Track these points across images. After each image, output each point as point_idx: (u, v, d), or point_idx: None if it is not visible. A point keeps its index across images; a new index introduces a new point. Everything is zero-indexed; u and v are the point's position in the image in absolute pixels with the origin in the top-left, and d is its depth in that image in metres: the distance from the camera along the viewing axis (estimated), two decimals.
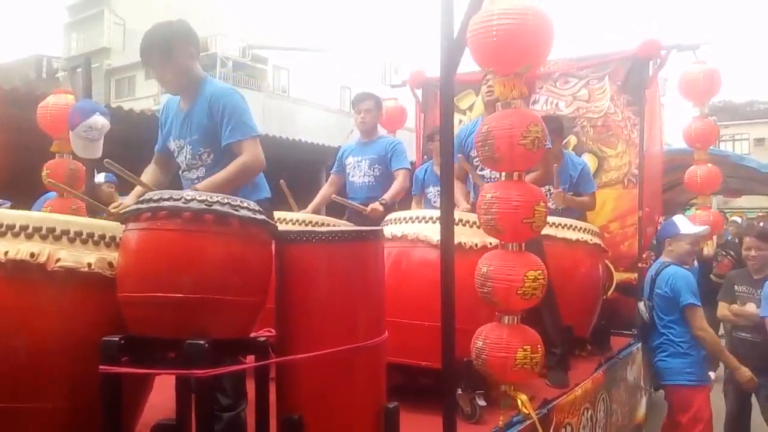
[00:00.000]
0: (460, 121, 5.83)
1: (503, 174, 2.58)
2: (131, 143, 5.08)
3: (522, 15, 2.34)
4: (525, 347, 2.53)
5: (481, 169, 3.73)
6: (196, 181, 2.65)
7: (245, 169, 2.53)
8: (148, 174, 2.88)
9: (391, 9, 28.21)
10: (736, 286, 4.56)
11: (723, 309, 4.61)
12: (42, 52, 27.46)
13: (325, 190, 4.62)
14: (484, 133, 2.50)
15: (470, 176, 3.83)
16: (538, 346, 2.58)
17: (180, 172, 2.78)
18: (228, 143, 2.55)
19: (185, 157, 2.70)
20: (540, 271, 2.53)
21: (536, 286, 2.50)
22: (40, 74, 25.08)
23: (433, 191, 4.82)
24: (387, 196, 4.28)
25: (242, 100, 2.63)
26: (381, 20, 27.69)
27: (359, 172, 4.52)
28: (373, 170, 4.49)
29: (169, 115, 2.78)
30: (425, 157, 6.09)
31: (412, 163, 6.43)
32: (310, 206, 4.35)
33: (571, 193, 4.53)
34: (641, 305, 4.27)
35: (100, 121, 3.61)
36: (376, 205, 4.18)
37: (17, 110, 4.77)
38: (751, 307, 4.37)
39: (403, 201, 5.14)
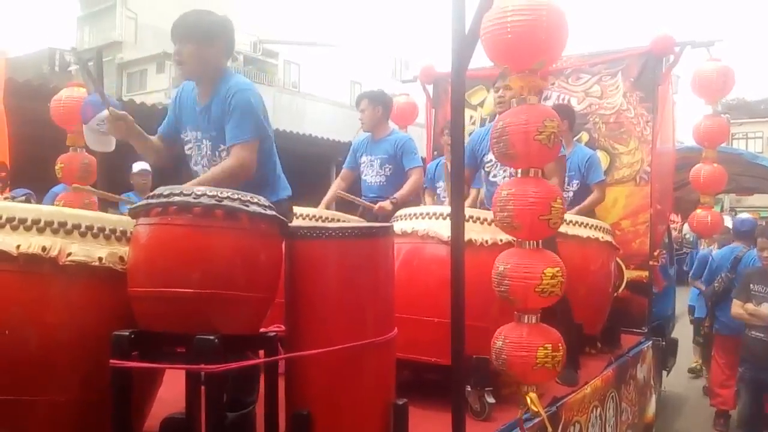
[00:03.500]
0: (471, 117, 5.81)
1: (519, 171, 2.56)
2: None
3: (536, 10, 2.32)
4: (546, 346, 2.49)
5: (494, 176, 3.72)
6: None
7: (226, 175, 2.45)
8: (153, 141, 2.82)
9: (402, 4, 28.15)
10: (752, 285, 4.52)
11: (737, 307, 4.58)
12: (54, 45, 27.58)
13: (337, 185, 4.60)
14: (499, 129, 2.48)
15: (481, 175, 3.83)
16: (559, 344, 2.55)
17: (193, 165, 2.72)
18: (227, 144, 2.51)
19: (204, 151, 2.65)
20: (558, 269, 2.49)
21: (555, 283, 2.47)
22: (53, 67, 25.19)
23: (443, 186, 4.82)
24: (398, 194, 4.27)
25: (252, 99, 2.56)
26: (391, 15, 27.64)
27: (372, 171, 4.53)
28: (384, 170, 4.50)
29: (185, 102, 2.72)
30: (435, 153, 6.08)
31: (423, 159, 6.45)
32: (323, 202, 4.35)
33: (576, 182, 4.50)
34: (724, 275, 5.42)
35: None
36: (386, 204, 4.18)
37: (31, 103, 4.80)
38: (766, 308, 4.35)
39: (415, 198, 5.14)
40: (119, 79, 26.69)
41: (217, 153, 2.62)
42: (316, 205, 4.06)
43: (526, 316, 2.56)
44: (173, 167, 2.88)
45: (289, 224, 2.26)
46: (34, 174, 4.69)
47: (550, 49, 2.47)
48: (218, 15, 2.65)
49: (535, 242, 2.55)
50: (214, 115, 2.57)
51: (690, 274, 6.52)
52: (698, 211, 5.45)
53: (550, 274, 2.46)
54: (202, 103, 2.64)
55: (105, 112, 3.58)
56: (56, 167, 4.09)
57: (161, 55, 23.97)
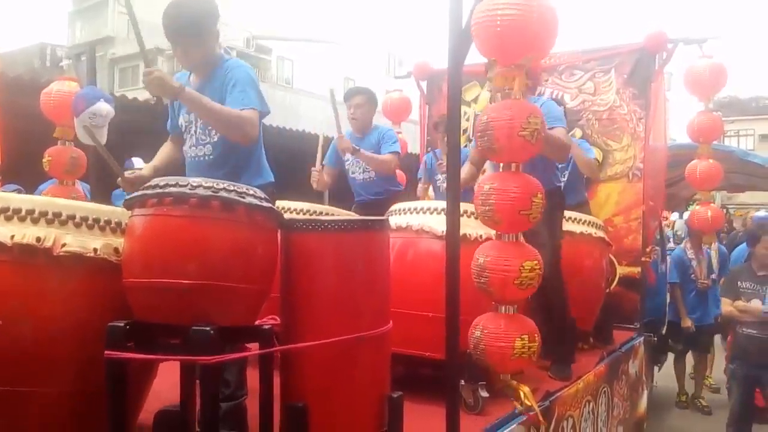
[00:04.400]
0: (465, 113, 5.81)
1: (501, 165, 2.58)
2: (135, 131, 5.08)
3: (526, 5, 2.33)
4: (522, 336, 2.54)
5: None
6: (203, 158, 2.62)
7: (236, 121, 2.43)
8: (164, 151, 2.85)
9: (396, 0, 28.17)
10: (739, 283, 4.56)
11: (726, 305, 4.62)
12: (46, 40, 27.41)
13: (325, 184, 4.50)
14: (484, 123, 2.50)
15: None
16: (536, 335, 2.59)
17: (186, 147, 2.71)
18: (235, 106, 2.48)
19: (195, 131, 2.65)
20: (536, 261, 2.54)
21: (533, 276, 2.51)
22: (44, 62, 25.01)
23: (441, 178, 4.78)
24: (365, 153, 4.21)
25: (251, 74, 2.58)
26: (386, 11, 27.61)
27: (359, 168, 4.48)
28: None
29: None
30: (429, 148, 6.08)
31: (416, 155, 6.45)
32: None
33: (566, 172, 4.47)
34: None
35: (104, 107, 3.59)
36: (348, 141, 4.17)
37: (22, 98, 4.75)
38: (756, 304, 4.39)
39: (409, 190, 5.12)
40: (111, 74, 26.55)
41: (206, 132, 2.62)
42: (307, 199, 4.03)
43: (504, 307, 2.60)
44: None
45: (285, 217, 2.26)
46: (24, 169, 4.65)
47: (539, 44, 2.49)
48: (197, 1, 2.60)
49: (513, 235, 2.59)
50: (207, 94, 2.55)
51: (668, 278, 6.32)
52: (696, 207, 5.47)
53: (529, 267, 2.50)
54: (195, 85, 2.63)
55: (97, 106, 3.58)
56: (44, 160, 4.06)
57: (153, 51, 23.79)
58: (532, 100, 4.37)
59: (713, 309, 5.99)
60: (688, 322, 6.01)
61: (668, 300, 6.27)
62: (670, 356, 6.43)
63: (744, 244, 6.00)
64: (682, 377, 6.39)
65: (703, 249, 6.05)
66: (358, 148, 4.20)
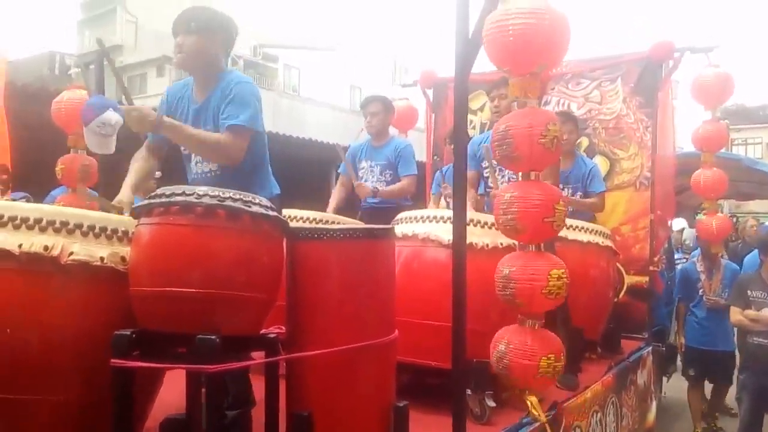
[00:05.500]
0: (471, 121, 5.82)
1: (521, 174, 2.57)
2: (143, 139, 5.10)
3: (538, 14, 2.33)
4: (549, 355, 2.48)
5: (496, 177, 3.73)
6: (209, 174, 2.63)
7: (216, 147, 2.47)
8: (138, 165, 2.77)
9: (402, 8, 28.26)
10: (749, 291, 4.52)
11: (736, 314, 4.57)
12: (55, 48, 27.61)
13: (338, 192, 4.58)
14: (502, 132, 2.48)
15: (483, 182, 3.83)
16: (561, 353, 2.54)
17: (192, 164, 2.71)
18: (222, 124, 2.49)
19: None
20: (563, 270, 2.49)
21: (560, 284, 2.46)
22: (53, 71, 25.19)
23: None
24: (384, 189, 4.33)
25: (252, 91, 2.58)
26: (392, 19, 27.73)
27: (372, 177, 4.51)
28: (385, 176, 4.49)
29: (176, 103, 2.72)
30: (435, 157, 6.08)
31: (423, 164, 6.45)
32: (330, 210, 4.37)
33: (579, 194, 4.51)
34: None
35: (113, 117, 3.61)
36: (367, 187, 4.27)
37: (31, 106, 4.80)
38: (766, 312, 4.34)
39: (417, 201, 5.11)
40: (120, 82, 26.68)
41: None
42: (314, 208, 4.05)
43: (530, 322, 2.55)
44: (177, 168, 2.88)
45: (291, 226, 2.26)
46: (33, 177, 4.69)
47: (551, 53, 2.48)
48: (219, 12, 2.68)
49: (536, 245, 2.56)
50: (212, 110, 2.57)
51: (675, 295, 5.90)
52: (703, 216, 5.43)
53: (556, 276, 2.46)
54: (199, 101, 2.64)
55: (105, 115, 3.60)
56: (57, 169, 4.09)
57: (161, 59, 24.02)
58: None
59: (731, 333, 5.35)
60: (681, 340, 5.64)
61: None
62: (678, 367, 6.33)
63: (753, 253, 5.84)
64: (698, 408, 5.66)
65: (721, 262, 5.62)
66: (377, 189, 4.32)
